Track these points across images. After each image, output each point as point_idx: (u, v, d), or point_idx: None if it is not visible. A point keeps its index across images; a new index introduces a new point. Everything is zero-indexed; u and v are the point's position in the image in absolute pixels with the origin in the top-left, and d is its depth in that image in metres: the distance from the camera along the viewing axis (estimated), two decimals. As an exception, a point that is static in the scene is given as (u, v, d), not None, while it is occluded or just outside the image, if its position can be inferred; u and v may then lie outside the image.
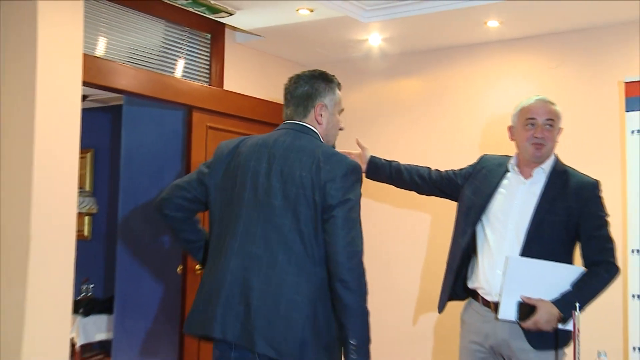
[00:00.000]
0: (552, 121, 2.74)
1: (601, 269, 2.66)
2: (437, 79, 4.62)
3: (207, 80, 4.39)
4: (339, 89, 2.45)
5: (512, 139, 2.86)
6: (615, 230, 3.21)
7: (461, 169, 3.07)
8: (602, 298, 3.05)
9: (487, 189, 2.84)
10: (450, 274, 2.91)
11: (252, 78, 4.66)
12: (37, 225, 3.19)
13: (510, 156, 2.89)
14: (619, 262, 2.93)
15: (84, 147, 3.66)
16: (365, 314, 2.15)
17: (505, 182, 2.85)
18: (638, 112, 3.45)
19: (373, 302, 2.71)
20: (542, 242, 2.68)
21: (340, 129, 2.49)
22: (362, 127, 4.70)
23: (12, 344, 3.26)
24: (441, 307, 2.97)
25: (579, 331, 2.24)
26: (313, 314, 2.10)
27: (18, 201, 3.29)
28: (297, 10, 3.77)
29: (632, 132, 3.44)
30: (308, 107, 2.32)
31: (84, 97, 3.63)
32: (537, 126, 2.72)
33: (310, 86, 2.35)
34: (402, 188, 3.15)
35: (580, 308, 2.46)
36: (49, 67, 3.28)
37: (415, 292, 4.48)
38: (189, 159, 4.03)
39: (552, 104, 2.80)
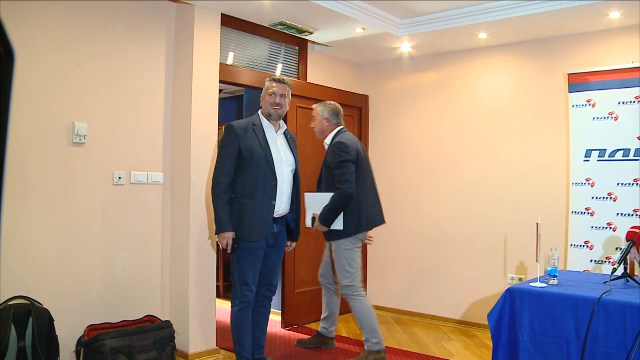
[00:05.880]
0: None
1: (337, 193, 3.53)
2: (446, 72, 5.12)
3: (297, 76, 4.97)
4: (266, 83, 3.34)
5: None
6: (560, 182, 4.18)
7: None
8: (551, 217, 3.96)
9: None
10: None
11: (325, 74, 5.24)
12: (194, 167, 3.77)
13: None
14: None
15: (220, 122, 4.12)
16: (214, 202, 3.18)
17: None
18: (577, 93, 4.00)
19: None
20: (320, 183, 3.71)
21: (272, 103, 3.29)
22: (396, 104, 5.45)
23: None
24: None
25: (540, 236, 2.66)
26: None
27: (184, 151, 3.79)
28: (354, 29, 4.38)
29: (573, 106, 4.05)
30: None
31: (220, 90, 4.13)
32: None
33: None
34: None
35: (328, 215, 3.46)
36: (199, 71, 3.83)
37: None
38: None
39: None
